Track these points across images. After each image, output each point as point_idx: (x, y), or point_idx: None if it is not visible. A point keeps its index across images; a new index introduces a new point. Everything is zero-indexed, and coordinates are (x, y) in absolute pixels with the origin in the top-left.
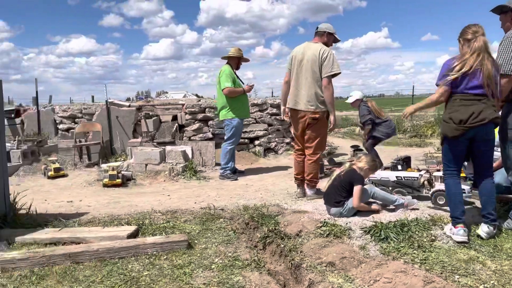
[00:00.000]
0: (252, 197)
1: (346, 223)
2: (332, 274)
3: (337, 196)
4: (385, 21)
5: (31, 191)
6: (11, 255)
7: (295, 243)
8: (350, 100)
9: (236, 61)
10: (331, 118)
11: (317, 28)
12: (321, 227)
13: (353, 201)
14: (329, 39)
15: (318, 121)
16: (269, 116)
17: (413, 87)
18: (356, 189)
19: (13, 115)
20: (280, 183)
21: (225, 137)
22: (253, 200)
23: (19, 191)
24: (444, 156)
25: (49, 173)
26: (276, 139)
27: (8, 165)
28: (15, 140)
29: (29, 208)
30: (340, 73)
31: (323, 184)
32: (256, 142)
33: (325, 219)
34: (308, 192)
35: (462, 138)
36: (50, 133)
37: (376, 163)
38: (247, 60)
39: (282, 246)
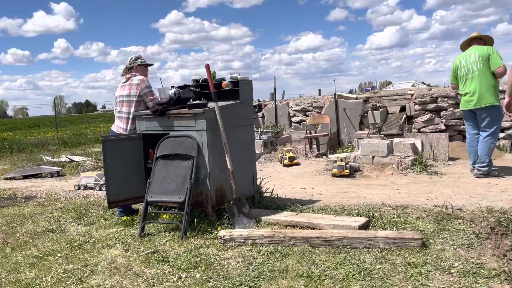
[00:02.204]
0: (498, 198)
1: None
2: None
3: None
4: None
5: (271, 177)
6: (260, 232)
7: None
8: None
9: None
10: None
11: None
12: None
13: None
14: None
15: None
16: None
17: None
18: None
19: (256, 110)
20: None
21: (487, 129)
22: (499, 202)
23: (262, 177)
24: None
25: (285, 161)
26: None
27: None
28: (257, 131)
29: (271, 192)
30: None
31: None
32: (501, 135)
33: None
34: None
35: None
36: (285, 125)
37: None
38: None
39: None
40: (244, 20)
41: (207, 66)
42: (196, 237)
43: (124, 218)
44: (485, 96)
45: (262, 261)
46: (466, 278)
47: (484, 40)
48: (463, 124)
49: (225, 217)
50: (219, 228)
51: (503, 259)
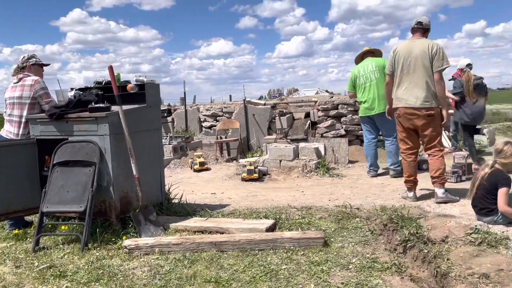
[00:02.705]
0: (390, 197)
1: (503, 232)
2: (487, 287)
3: (486, 204)
4: None
5: (180, 183)
6: (167, 240)
7: (440, 249)
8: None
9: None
10: (444, 112)
11: (420, 24)
12: (471, 234)
13: (498, 205)
14: (428, 33)
15: (435, 118)
16: None
17: None
18: (501, 192)
19: (165, 114)
20: (421, 184)
21: (391, 133)
22: (391, 201)
23: (172, 183)
24: None
25: (195, 167)
26: None
27: None
28: (167, 136)
29: (180, 198)
30: (449, 66)
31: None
32: None
33: (475, 226)
34: (438, 192)
35: None
36: (196, 130)
37: None
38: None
39: (426, 251)
40: (153, 23)
41: (110, 68)
42: (98, 248)
43: (16, 231)
44: (383, 103)
45: (170, 269)
46: (362, 273)
47: (376, 54)
48: (361, 130)
49: (130, 225)
50: (124, 237)
51: (394, 253)
